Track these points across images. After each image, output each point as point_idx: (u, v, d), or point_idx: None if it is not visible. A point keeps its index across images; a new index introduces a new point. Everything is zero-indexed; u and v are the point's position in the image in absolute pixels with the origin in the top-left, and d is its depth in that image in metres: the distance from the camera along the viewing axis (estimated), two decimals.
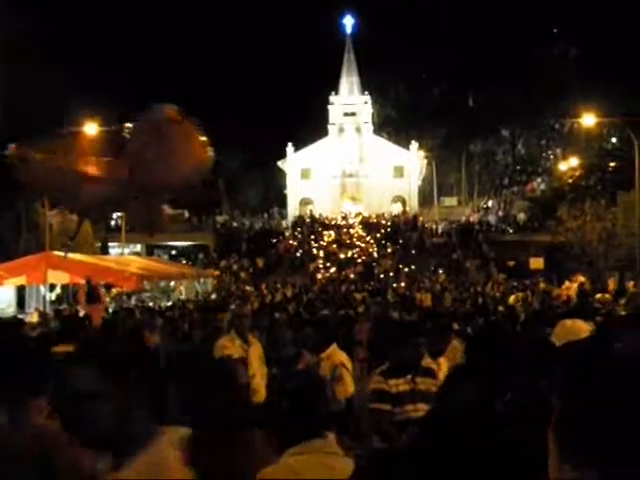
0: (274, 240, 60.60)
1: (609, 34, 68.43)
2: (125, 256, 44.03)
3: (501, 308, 23.84)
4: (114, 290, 31.55)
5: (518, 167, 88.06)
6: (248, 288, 43.67)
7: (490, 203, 77.64)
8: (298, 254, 57.01)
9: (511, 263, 50.53)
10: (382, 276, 48.96)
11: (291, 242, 59.76)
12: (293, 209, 75.29)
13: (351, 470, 3.34)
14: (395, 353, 7.50)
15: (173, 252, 61.99)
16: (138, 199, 11.02)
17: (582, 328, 5.79)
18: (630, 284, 38.38)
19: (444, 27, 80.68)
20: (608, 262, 44.89)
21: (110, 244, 54.18)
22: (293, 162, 76.89)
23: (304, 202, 76.30)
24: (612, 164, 62.61)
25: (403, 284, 43.07)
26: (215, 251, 57.46)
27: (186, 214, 66.11)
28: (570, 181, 62.37)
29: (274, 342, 12.47)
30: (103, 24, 72.88)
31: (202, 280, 39.66)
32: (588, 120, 44.67)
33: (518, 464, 1.79)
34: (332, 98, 77.50)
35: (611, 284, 40.86)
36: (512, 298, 29.59)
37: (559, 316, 9.21)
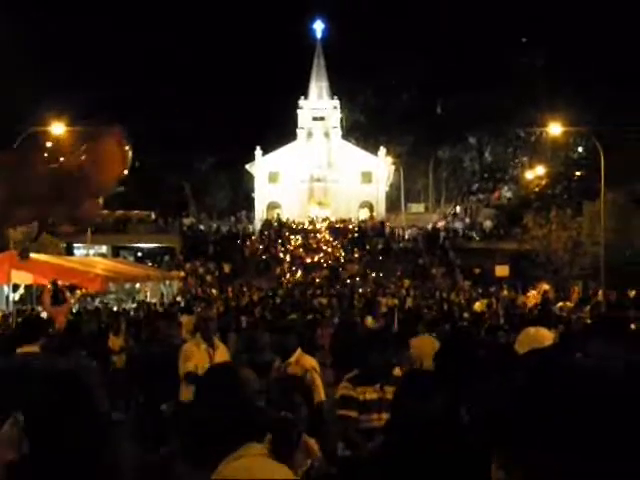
0: (241, 242, 60.41)
1: (577, 43, 69.05)
2: (90, 257, 43.72)
3: (466, 315, 24.01)
4: (78, 292, 31.29)
5: (485, 175, 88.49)
6: (214, 291, 43.60)
7: (457, 210, 77.99)
8: (264, 258, 56.91)
9: (477, 270, 50.78)
10: (348, 281, 49.00)
11: (258, 246, 59.62)
12: (261, 213, 75.19)
13: (283, 473, 3.57)
14: (366, 361, 7.48)
15: (139, 254, 61.55)
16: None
17: (545, 336, 5.84)
18: (599, 293, 38.80)
19: (414, 34, 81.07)
20: (573, 271, 45.25)
21: (75, 245, 53.75)
22: (261, 166, 76.82)
23: (272, 206, 76.28)
24: (578, 173, 63.15)
25: (369, 289, 43.19)
26: (181, 253, 57.20)
27: (153, 216, 65.79)
28: (536, 189, 62.81)
29: (250, 345, 12.32)
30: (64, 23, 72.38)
31: (168, 282, 39.43)
32: (555, 129, 45.02)
33: (485, 471, 1.80)
34: (301, 102, 77.58)
35: (575, 292, 41.28)
36: (478, 305, 29.79)
37: (523, 324, 9.28)
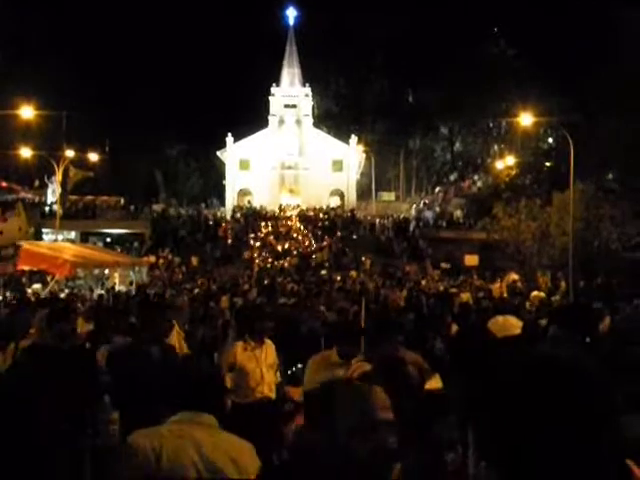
0: (212, 229, 60.24)
1: (548, 34, 69.46)
2: (59, 242, 43.39)
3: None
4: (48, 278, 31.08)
5: (457, 164, 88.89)
6: (181, 277, 43.56)
7: (427, 199, 78.24)
8: (235, 244, 56.79)
9: (445, 265, 50.75)
10: (322, 272, 48.84)
11: (228, 232, 59.45)
12: (231, 200, 75.00)
13: (228, 444, 4.14)
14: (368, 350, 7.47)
15: (108, 240, 61.21)
16: None
17: (514, 324, 5.86)
18: (562, 283, 39.11)
19: (386, 24, 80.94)
20: (541, 261, 45.52)
21: (44, 230, 53.35)
22: (232, 153, 76.57)
23: (243, 193, 76.12)
24: (548, 164, 63.53)
25: (338, 277, 43.18)
26: (151, 239, 56.94)
27: (122, 202, 65.48)
28: (506, 180, 63.10)
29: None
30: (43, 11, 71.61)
31: (137, 269, 39.24)
32: (525, 120, 45.22)
33: None
34: (273, 89, 77.35)
35: (542, 282, 41.54)
36: (465, 296, 29.80)
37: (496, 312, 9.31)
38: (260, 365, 9.16)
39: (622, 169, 52.10)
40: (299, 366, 11.35)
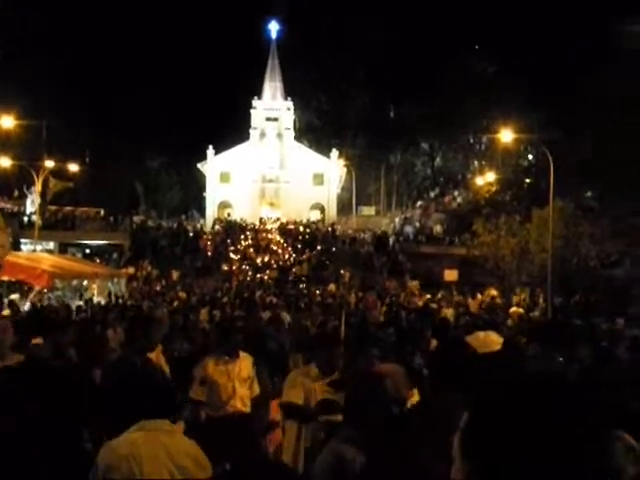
0: (191, 241, 60.10)
1: (528, 51, 69.89)
2: (37, 253, 43.17)
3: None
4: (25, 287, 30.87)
5: (437, 180, 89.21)
6: (158, 289, 43.45)
7: (408, 214, 78.41)
8: (214, 257, 56.67)
9: (415, 283, 50.55)
10: (301, 286, 48.78)
11: (208, 245, 59.30)
12: (212, 212, 74.92)
13: (187, 445, 4.50)
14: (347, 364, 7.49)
15: (87, 251, 60.90)
16: None
17: (495, 341, 5.85)
18: (540, 300, 39.26)
19: (368, 40, 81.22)
20: (520, 277, 45.68)
21: (22, 240, 52.99)
22: (213, 165, 76.55)
23: (223, 205, 76.08)
24: (527, 180, 63.83)
25: (317, 291, 43.23)
26: (130, 251, 56.71)
27: (102, 213, 65.18)
28: (486, 196, 63.36)
29: None
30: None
31: (116, 280, 39.10)
32: (505, 136, 45.42)
33: None
34: (255, 102, 77.42)
35: (516, 299, 41.71)
36: (448, 312, 29.82)
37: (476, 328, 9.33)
38: (232, 379, 9.12)
39: (601, 187, 52.42)
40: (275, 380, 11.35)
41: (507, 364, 5.18)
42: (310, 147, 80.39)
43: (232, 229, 64.22)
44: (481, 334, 6.11)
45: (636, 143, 44.44)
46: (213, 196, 76.44)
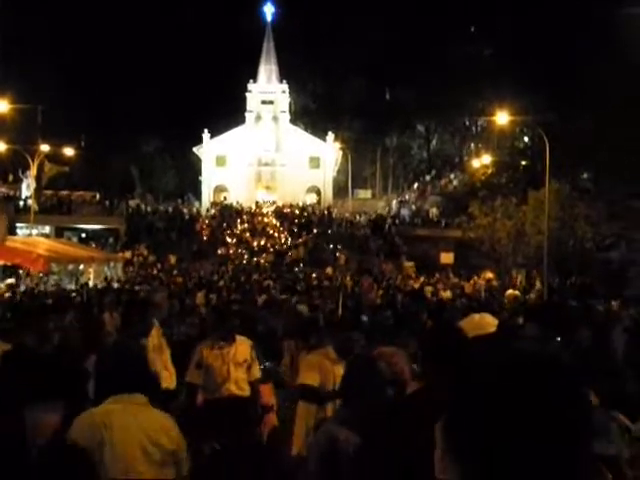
0: (187, 224, 60.09)
1: (524, 33, 69.63)
2: (33, 237, 43.12)
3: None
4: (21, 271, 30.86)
5: (434, 162, 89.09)
6: (155, 273, 43.43)
7: (404, 197, 78.40)
8: (211, 240, 56.67)
9: (411, 264, 50.62)
10: (296, 269, 48.80)
11: (204, 228, 59.30)
12: (207, 196, 74.85)
13: (161, 418, 4.75)
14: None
15: (83, 235, 60.87)
16: None
17: (490, 323, 5.85)
18: (537, 282, 39.35)
19: (364, 22, 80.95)
20: (516, 259, 45.75)
21: (18, 225, 52.93)
22: (209, 149, 76.37)
23: (219, 189, 75.97)
24: (523, 163, 63.74)
25: (314, 275, 43.26)
26: (126, 235, 56.68)
27: (97, 197, 65.11)
28: (482, 178, 63.28)
29: None
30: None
31: (112, 264, 39.10)
32: (501, 118, 45.35)
33: None
34: (250, 86, 77.18)
35: (517, 280, 41.79)
36: (445, 294, 29.86)
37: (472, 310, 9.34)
38: (227, 363, 9.14)
39: (597, 169, 52.39)
40: (267, 364, 11.39)
41: (501, 346, 5.17)
42: (306, 130, 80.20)
43: (228, 213, 64.20)
44: (476, 316, 6.11)
45: (634, 127, 44.28)
46: (209, 180, 76.31)
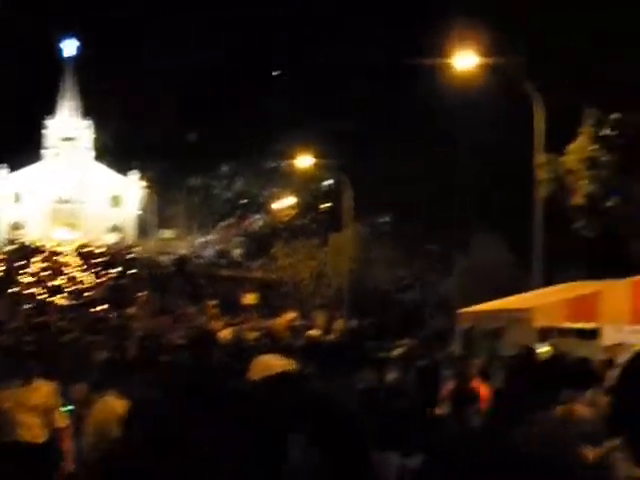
0: None
1: (321, 75, 70.81)
2: None
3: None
4: None
5: (238, 203, 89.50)
6: None
7: (209, 237, 78.32)
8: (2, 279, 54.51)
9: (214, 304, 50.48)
10: (98, 309, 47.58)
11: None
12: (3, 233, 72.22)
13: None
14: None
15: None
16: None
17: (277, 364, 5.90)
18: (337, 322, 40.03)
19: (168, 61, 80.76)
20: (318, 300, 46.38)
21: None
22: (6, 184, 73.92)
23: (15, 226, 73.45)
24: (324, 205, 64.96)
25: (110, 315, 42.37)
26: None
27: None
28: (285, 219, 64.06)
29: None
30: None
31: None
32: (303, 161, 46.13)
33: None
34: (49, 122, 75.51)
35: (319, 320, 42.40)
36: (252, 335, 29.71)
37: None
38: (19, 407, 8.67)
39: (395, 212, 53.97)
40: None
41: (291, 386, 5.20)
42: (110, 168, 78.97)
43: (23, 251, 62.03)
44: (265, 357, 6.15)
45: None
46: (5, 216, 73.71)
